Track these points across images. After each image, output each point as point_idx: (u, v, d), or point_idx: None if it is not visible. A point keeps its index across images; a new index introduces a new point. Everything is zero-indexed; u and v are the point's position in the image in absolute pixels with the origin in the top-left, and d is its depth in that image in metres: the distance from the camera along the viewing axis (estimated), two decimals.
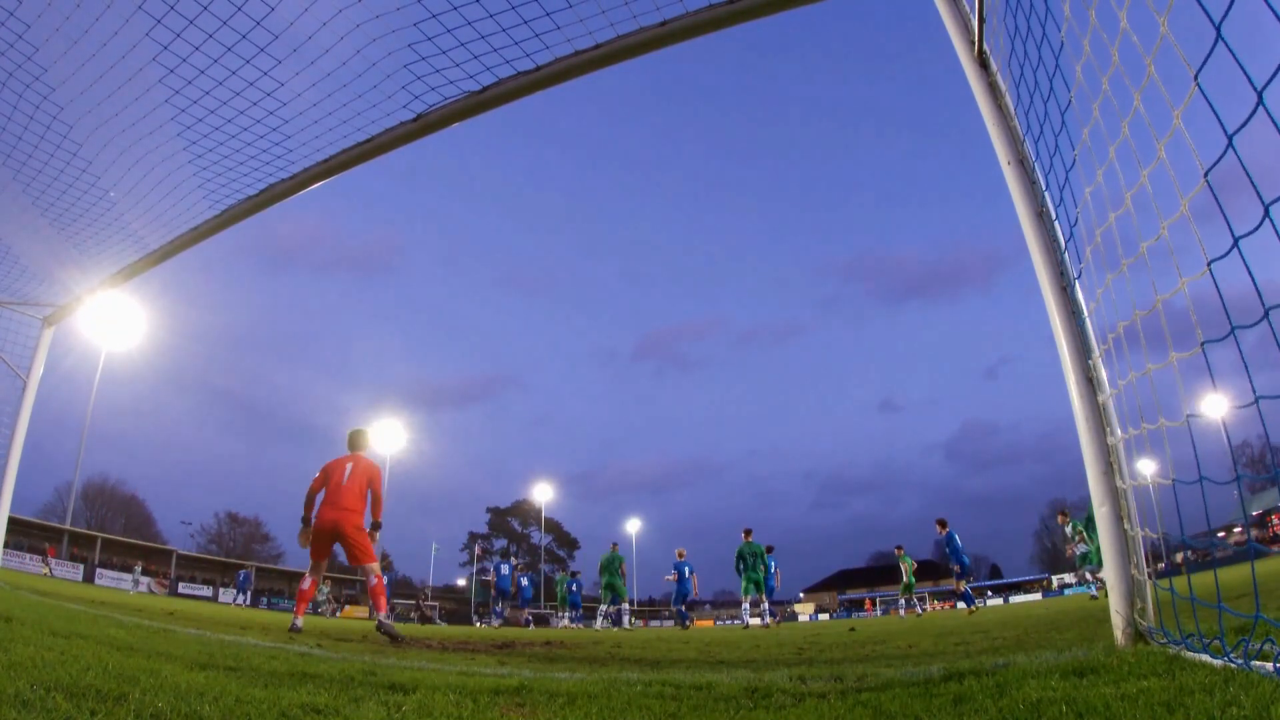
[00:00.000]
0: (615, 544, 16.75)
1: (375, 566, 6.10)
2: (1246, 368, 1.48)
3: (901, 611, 17.68)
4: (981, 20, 3.05)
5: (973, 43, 3.16)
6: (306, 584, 6.17)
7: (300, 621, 5.83)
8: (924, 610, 17.71)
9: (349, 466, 6.20)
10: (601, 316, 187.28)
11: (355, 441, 6.51)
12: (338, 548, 6.25)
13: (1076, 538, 14.02)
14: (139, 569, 32.01)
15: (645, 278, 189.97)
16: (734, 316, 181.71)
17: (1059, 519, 14.74)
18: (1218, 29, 1.43)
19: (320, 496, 6.16)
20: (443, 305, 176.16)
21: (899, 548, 18.21)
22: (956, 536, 14.58)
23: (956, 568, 14.56)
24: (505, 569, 18.04)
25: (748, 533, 13.95)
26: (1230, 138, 1.46)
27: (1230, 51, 1.43)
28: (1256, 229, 1.41)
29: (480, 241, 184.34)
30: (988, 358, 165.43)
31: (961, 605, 16.82)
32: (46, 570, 28.64)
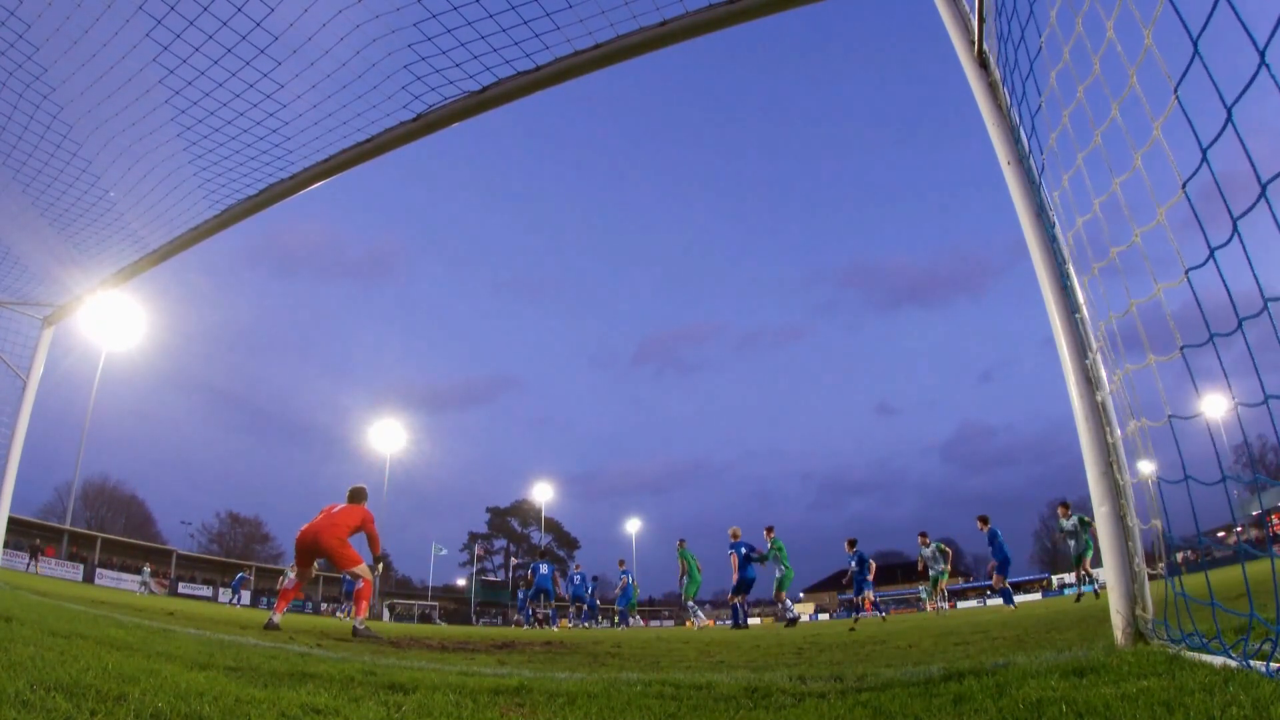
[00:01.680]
0: (683, 540, 15.59)
1: (360, 569, 6.27)
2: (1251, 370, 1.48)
3: (941, 604, 15.03)
4: (981, 20, 3.06)
5: (973, 43, 3.16)
6: (289, 584, 6.44)
7: (278, 618, 6.00)
8: (929, 609, 15.38)
9: (339, 505, 6.57)
10: (602, 320, 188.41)
11: (351, 495, 6.84)
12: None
13: (1085, 534, 12.45)
14: (147, 570, 31.86)
15: (645, 282, 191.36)
16: (732, 321, 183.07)
17: (1060, 511, 12.83)
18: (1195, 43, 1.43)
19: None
20: (445, 308, 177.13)
21: (923, 534, 15.33)
22: (999, 532, 13.63)
23: (996, 563, 13.60)
24: (545, 568, 17.31)
25: (769, 530, 13.09)
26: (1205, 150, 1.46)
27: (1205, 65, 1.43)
28: (1228, 242, 1.44)
29: (483, 245, 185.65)
30: (982, 362, 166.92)
31: (998, 601, 15.83)
32: (35, 570, 28.32)
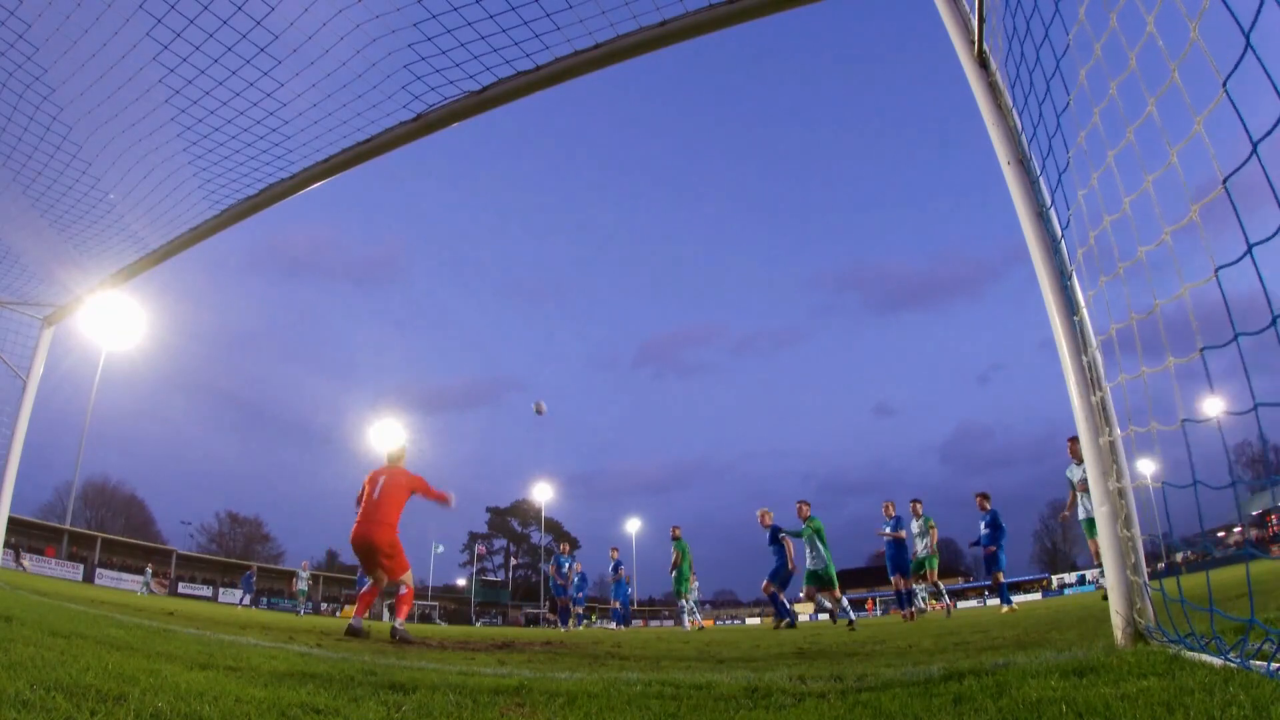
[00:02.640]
0: (677, 527, 14.17)
1: (408, 577, 6.04)
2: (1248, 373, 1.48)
3: (920, 604, 12.12)
4: (981, 20, 3.06)
5: (973, 43, 3.16)
6: (366, 586, 6.13)
7: (359, 622, 5.75)
8: (924, 609, 12.65)
9: (382, 479, 6.08)
10: (603, 323, 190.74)
11: (391, 459, 6.48)
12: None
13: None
14: (149, 571, 31.67)
15: (645, 286, 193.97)
16: (731, 324, 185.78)
17: (1070, 446, 8.97)
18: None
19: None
20: (447, 312, 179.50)
21: (916, 501, 11.90)
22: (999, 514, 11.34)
23: (990, 549, 11.18)
24: (565, 565, 15.91)
25: (804, 505, 10.66)
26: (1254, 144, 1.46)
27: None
28: (1239, 260, 1.44)
29: (485, 250, 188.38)
30: (979, 364, 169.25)
31: (995, 602, 13.49)
32: (23, 567, 27.93)
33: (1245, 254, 1.46)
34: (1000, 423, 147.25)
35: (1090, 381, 2.59)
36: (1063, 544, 66.11)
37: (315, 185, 5.51)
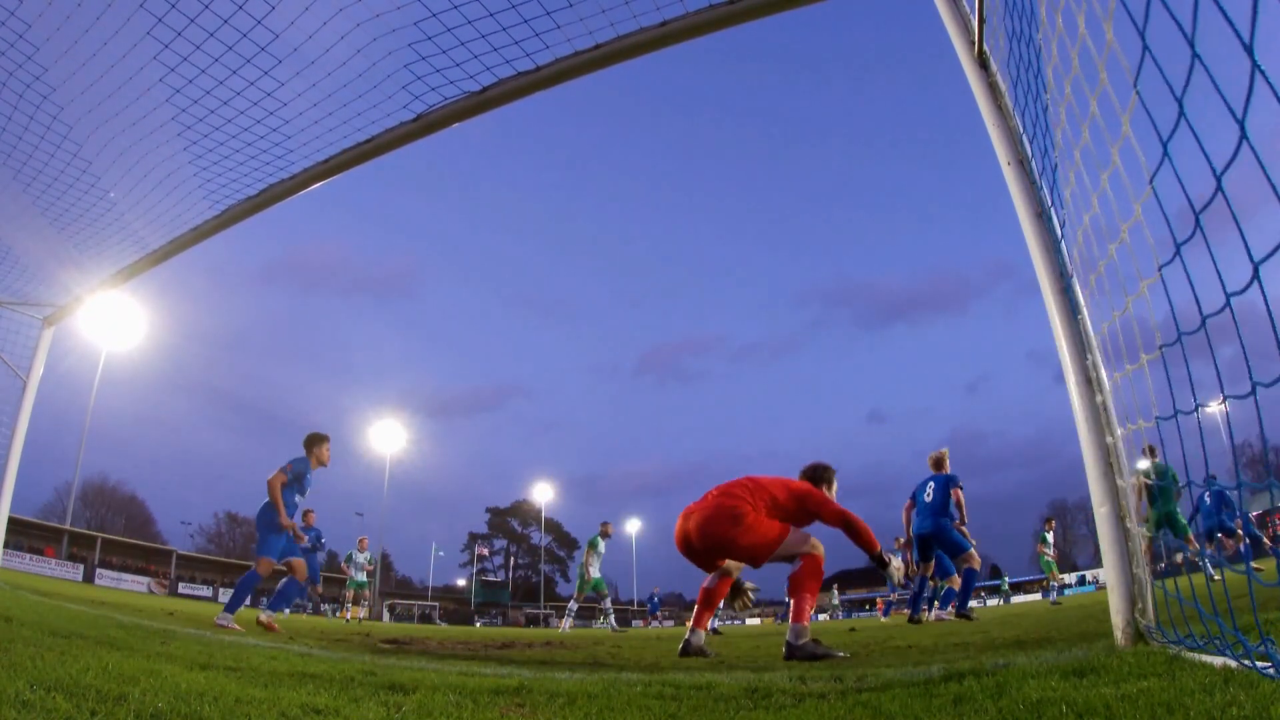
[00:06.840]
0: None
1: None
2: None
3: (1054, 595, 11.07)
4: (981, 20, 3.06)
5: (973, 43, 3.16)
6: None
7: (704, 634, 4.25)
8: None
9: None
10: (606, 332, 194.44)
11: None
12: None
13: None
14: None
15: (646, 298, 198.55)
16: (730, 334, 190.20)
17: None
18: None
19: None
20: (456, 322, 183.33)
21: (1049, 520, 10.22)
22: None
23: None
24: None
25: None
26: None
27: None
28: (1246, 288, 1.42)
29: (492, 262, 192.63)
30: (968, 374, 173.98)
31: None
32: None
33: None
34: (992, 428, 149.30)
35: (1091, 382, 2.59)
36: (1062, 544, 66.21)
37: (316, 185, 5.52)
